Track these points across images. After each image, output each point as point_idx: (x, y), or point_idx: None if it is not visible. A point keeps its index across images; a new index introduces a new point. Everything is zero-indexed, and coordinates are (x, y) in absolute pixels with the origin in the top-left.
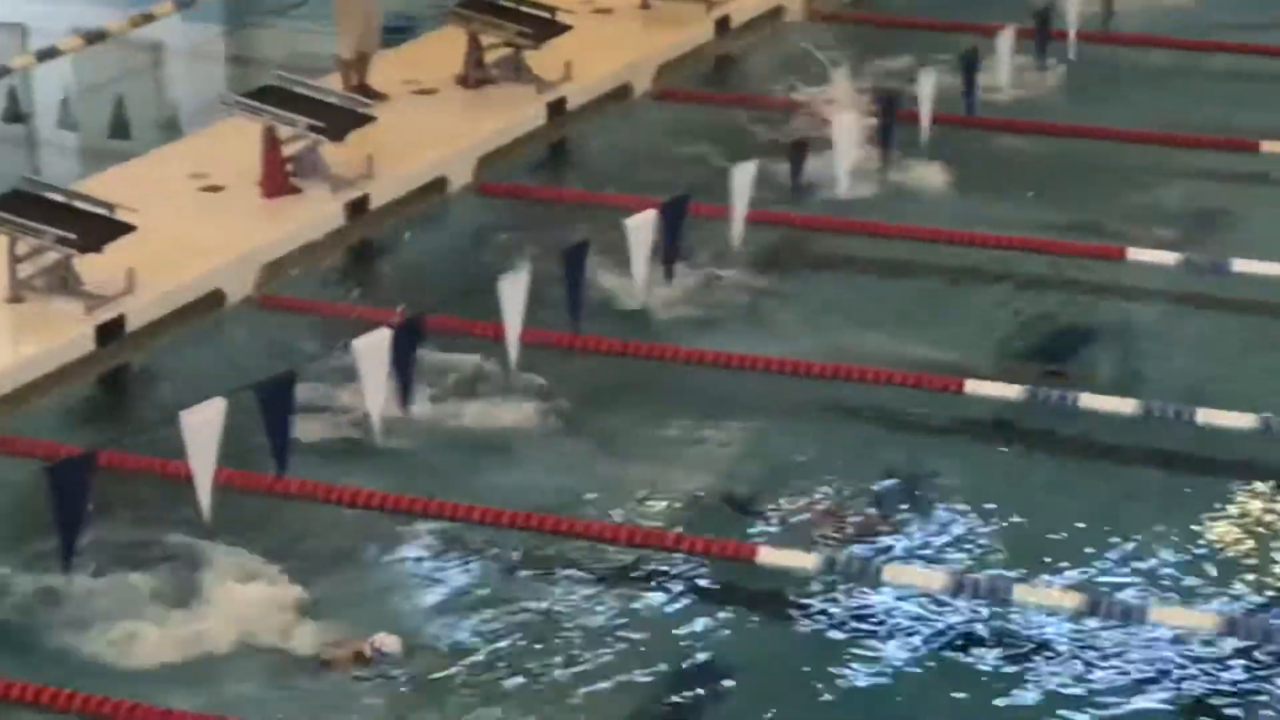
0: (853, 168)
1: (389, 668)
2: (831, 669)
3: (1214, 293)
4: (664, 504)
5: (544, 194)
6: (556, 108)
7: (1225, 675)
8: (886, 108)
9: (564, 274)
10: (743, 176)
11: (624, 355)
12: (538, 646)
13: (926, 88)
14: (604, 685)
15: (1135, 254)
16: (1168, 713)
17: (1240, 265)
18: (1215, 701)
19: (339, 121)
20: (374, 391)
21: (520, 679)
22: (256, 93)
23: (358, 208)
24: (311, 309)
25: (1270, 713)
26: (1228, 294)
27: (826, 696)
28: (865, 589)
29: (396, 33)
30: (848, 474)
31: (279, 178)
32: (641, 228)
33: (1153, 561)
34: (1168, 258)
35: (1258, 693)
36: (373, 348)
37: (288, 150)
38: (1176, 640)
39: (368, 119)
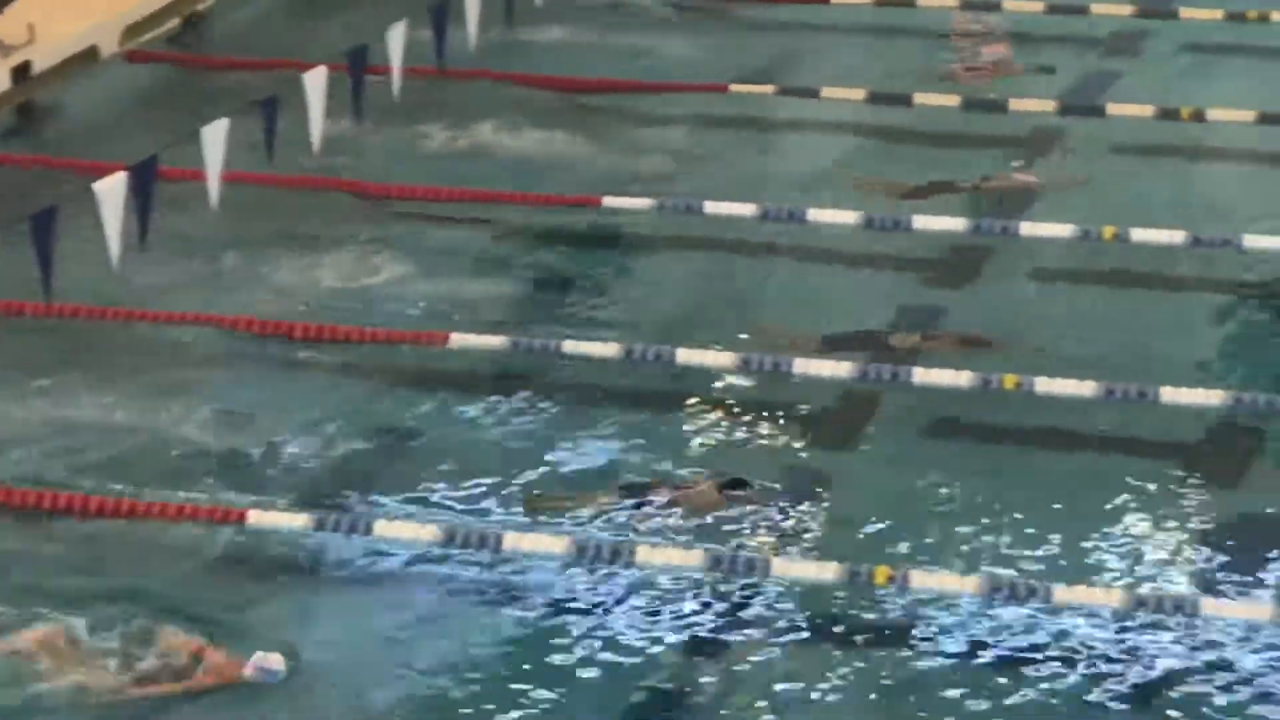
0: (325, 124)
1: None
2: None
3: (688, 234)
4: (151, 469)
5: (11, 160)
6: (21, 72)
7: (713, 611)
8: (357, 64)
9: (32, 243)
10: (214, 136)
11: (101, 320)
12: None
13: (396, 42)
14: None
15: (611, 201)
16: (659, 651)
17: (712, 207)
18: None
19: None
20: None
21: None
22: None
23: None
24: None
25: (752, 633)
26: (702, 235)
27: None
28: (357, 543)
29: None
30: (339, 430)
31: None
32: (111, 192)
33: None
34: (643, 203)
35: (743, 626)
36: None
37: None
38: (667, 581)
39: None
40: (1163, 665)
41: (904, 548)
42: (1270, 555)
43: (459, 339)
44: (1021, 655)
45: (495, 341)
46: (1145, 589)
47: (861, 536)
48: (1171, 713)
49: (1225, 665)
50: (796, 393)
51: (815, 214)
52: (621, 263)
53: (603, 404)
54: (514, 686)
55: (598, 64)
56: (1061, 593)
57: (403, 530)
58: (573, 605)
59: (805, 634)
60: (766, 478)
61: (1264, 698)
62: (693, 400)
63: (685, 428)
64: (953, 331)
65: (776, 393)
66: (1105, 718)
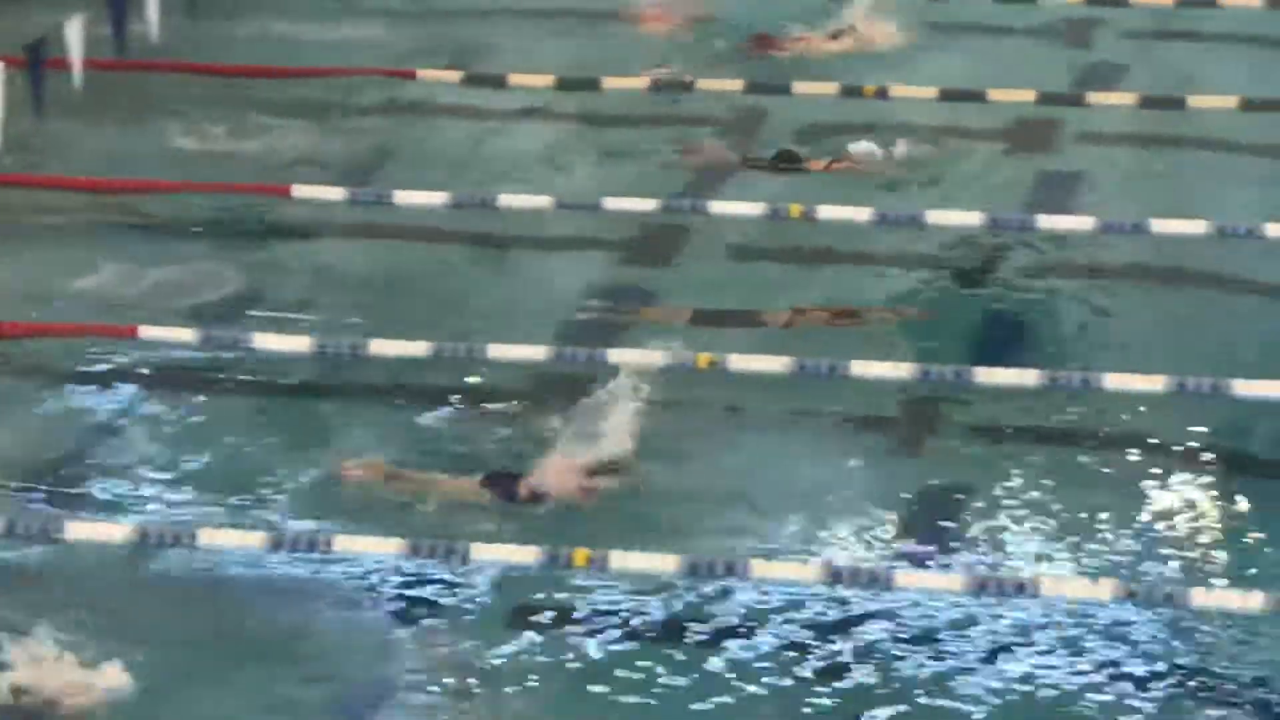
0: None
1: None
2: None
3: (379, 223)
4: None
5: None
6: None
7: (412, 598)
8: (34, 57)
9: None
10: None
11: None
12: None
13: (75, 35)
14: None
15: (300, 190)
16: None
17: (401, 196)
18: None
19: None
20: None
21: None
22: None
23: None
24: None
25: (453, 618)
26: (392, 223)
27: None
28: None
29: None
30: (25, 428)
31: None
32: None
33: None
34: (333, 192)
35: (443, 612)
36: None
37: None
38: (366, 567)
39: None
40: (860, 637)
41: (606, 529)
42: (959, 526)
43: (148, 332)
44: (721, 632)
45: (185, 335)
46: (841, 563)
47: (563, 519)
48: (867, 680)
49: (921, 636)
50: (494, 378)
51: (507, 199)
52: (313, 253)
53: (294, 397)
54: (207, 682)
55: (285, 53)
56: (759, 568)
57: (95, 530)
58: (271, 596)
59: (505, 618)
60: (468, 466)
61: (957, 667)
62: (386, 391)
63: (378, 419)
64: (822, 306)
65: (474, 378)
66: (801, 690)
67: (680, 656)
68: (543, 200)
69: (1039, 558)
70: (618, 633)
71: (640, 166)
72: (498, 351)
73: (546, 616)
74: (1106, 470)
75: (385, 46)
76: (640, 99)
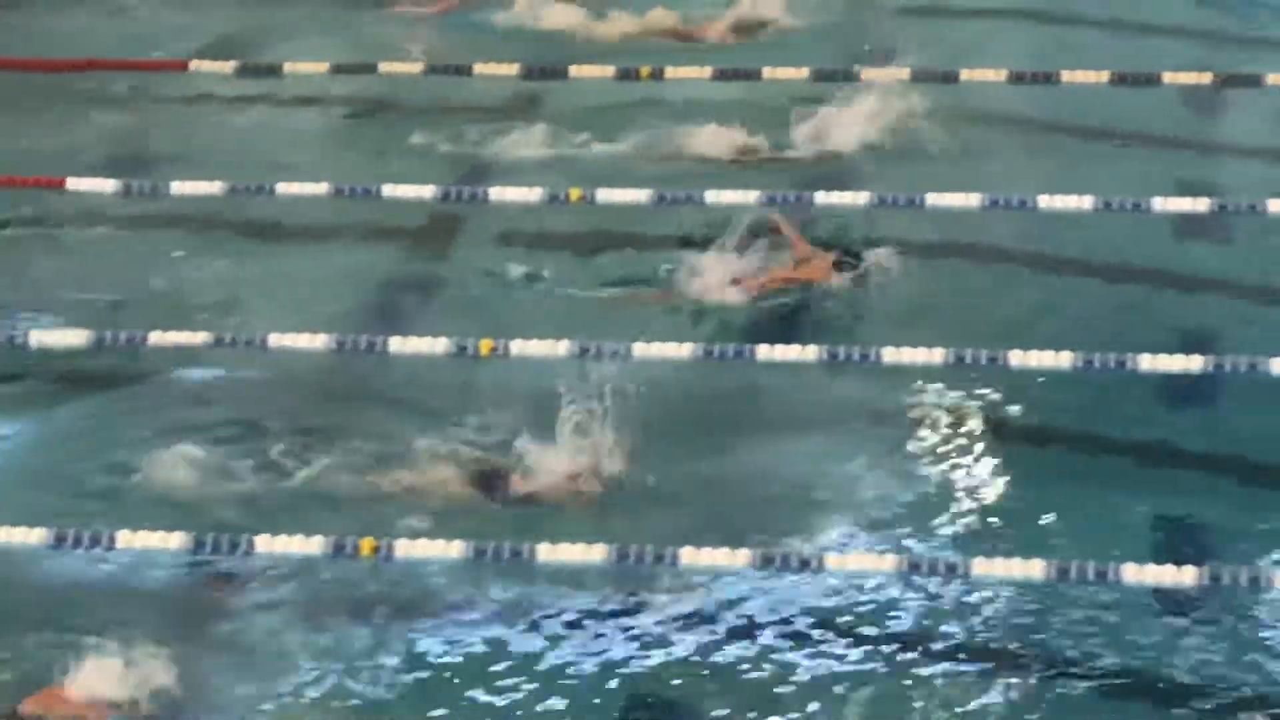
0: None
1: None
2: None
3: (155, 214)
4: None
5: None
6: None
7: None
8: None
9: None
10: None
11: None
12: None
13: None
14: None
15: (75, 183)
16: None
17: (178, 187)
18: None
19: None
20: None
21: None
22: None
23: None
24: None
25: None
26: (169, 214)
27: None
28: None
29: None
30: None
31: None
32: None
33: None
34: (107, 184)
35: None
36: None
37: None
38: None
39: None
40: (654, 614)
41: (390, 517)
42: (739, 503)
43: None
44: (504, 614)
45: None
46: (630, 546)
47: (345, 508)
48: (664, 662)
49: (707, 612)
50: (275, 364)
51: (284, 187)
52: (88, 246)
53: (73, 392)
54: None
55: (53, 45)
56: (545, 551)
57: None
58: (57, 590)
59: (290, 609)
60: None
61: (742, 645)
62: (165, 383)
63: (157, 410)
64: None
65: (256, 369)
66: (592, 661)
67: (465, 635)
68: (321, 188)
69: (820, 533)
70: (408, 615)
71: (419, 152)
72: (278, 340)
73: (335, 605)
74: (886, 444)
75: (156, 34)
76: (419, 84)
